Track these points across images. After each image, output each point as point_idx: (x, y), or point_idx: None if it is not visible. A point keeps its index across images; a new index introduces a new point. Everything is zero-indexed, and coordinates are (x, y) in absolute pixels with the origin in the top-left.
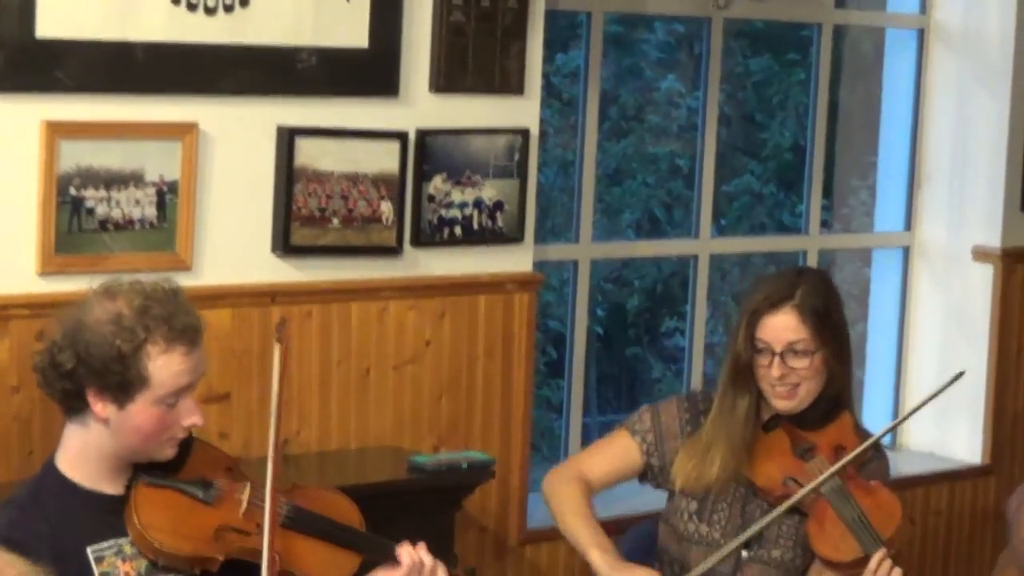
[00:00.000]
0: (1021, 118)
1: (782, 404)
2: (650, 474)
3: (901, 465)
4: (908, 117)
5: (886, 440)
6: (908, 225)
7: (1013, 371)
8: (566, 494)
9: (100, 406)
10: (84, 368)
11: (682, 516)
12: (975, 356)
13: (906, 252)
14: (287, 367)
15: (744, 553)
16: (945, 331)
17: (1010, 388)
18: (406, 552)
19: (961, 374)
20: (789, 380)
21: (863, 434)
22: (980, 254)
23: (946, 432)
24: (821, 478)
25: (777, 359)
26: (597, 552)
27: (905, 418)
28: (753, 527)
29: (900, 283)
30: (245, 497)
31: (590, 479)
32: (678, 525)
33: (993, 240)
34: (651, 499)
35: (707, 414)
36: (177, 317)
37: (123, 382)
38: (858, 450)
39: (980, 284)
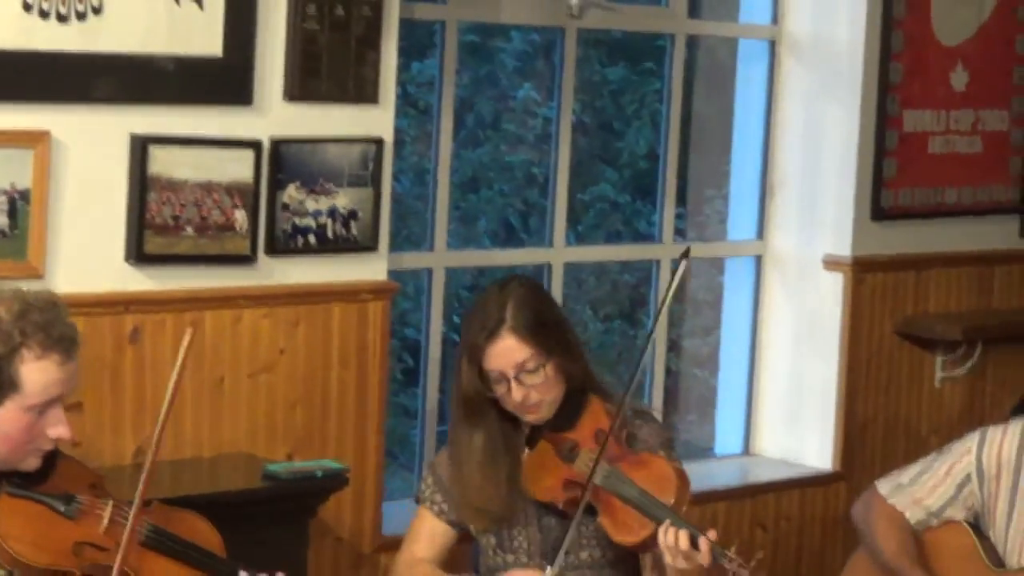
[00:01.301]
0: (870, 128)
1: (532, 418)
2: (458, 528)
3: (753, 472)
4: (760, 126)
5: (738, 446)
6: (760, 234)
7: (863, 379)
8: None
9: None
10: None
11: (488, 553)
12: (826, 364)
13: (758, 261)
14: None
15: (554, 569)
16: (796, 339)
17: (859, 396)
18: None
19: (687, 252)
20: (530, 399)
21: (617, 407)
22: (831, 263)
23: (797, 439)
24: (589, 472)
25: (514, 383)
26: None
27: (643, 353)
28: (564, 544)
29: (752, 291)
30: (107, 514)
31: (425, 558)
32: (487, 563)
33: (843, 249)
34: None
35: None
36: (55, 326)
37: None
38: (609, 433)
39: (831, 292)
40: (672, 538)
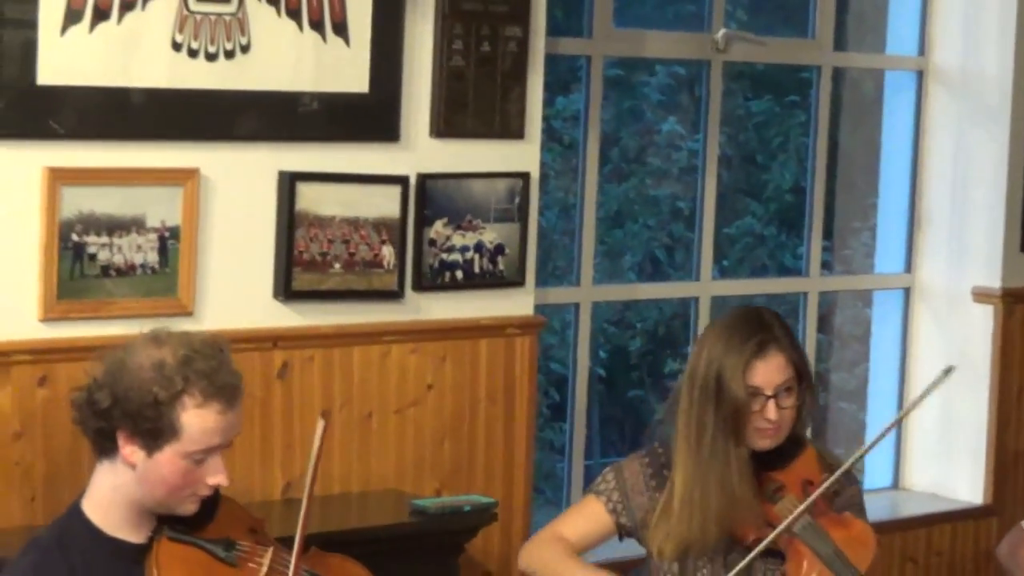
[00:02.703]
0: (1020, 158)
1: (767, 443)
2: (623, 532)
3: (903, 506)
4: (907, 158)
5: (887, 480)
6: (908, 266)
7: (1014, 411)
8: (548, 553)
9: (129, 450)
10: (119, 409)
11: (663, 575)
12: (976, 396)
13: (907, 293)
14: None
15: None
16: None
17: (1011, 428)
18: None
19: (951, 369)
20: (777, 421)
21: (829, 465)
22: (980, 295)
23: (948, 473)
24: (790, 518)
25: (771, 402)
26: (604, 574)
27: (878, 441)
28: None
29: (901, 324)
30: (267, 561)
31: (567, 540)
32: None
33: (993, 281)
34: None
35: (670, 468)
36: (219, 374)
37: (154, 429)
38: (818, 491)
39: (981, 325)
40: None
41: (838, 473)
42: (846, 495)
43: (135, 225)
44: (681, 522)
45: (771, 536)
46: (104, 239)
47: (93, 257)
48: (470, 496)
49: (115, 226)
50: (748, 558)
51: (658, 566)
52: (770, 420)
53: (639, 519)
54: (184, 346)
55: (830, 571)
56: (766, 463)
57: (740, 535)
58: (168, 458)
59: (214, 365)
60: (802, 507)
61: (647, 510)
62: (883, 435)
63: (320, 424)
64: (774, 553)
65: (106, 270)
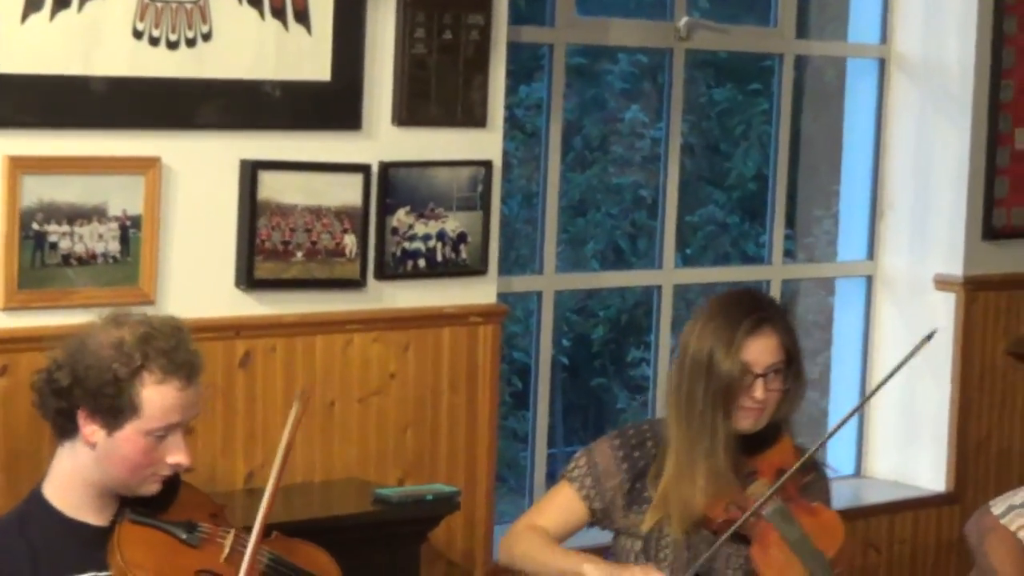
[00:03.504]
0: (981, 146)
1: (749, 424)
2: (595, 518)
3: (865, 493)
4: (870, 146)
5: (849, 467)
6: (871, 254)
7: (975, 399)
8: (527, 544)
9: (90, 429)
10: (79, 388)
11: (628, 558)
12: (938, 384)
13: (869, 281)
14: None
15: None
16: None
17: (973, 416)
18: None
19: (933, 333)
20: (763, 402)
21: (801, 452)
22: (942, 283)
23: (910, 460)
24: (760, 500)
25: (760, 380)
26: (589, 566)
27: (850, 416)
28: (700, 560)
29: (863, 312)
30: (228, 542)
31: (544, 529)
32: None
33: (955, 269)
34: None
35: (641, 448)
36: (178, 352)
37: (114, 407)
38: (794, 468)
39: (943, 312)
40: None
41: (807, 455)
42: (818, 487)
43: (96, 214)
44: (672, 495)
45: (742, 518)
46: (65, 228)
47: (54, 246)
48: (433, 485)
49: (76, 215)
50: (719, 541)
51: (622, 545)
52: (756, 399)
53: (610, 500)
54: (143, 325)
55: (796, 555)
56: (744, 447)
57: (709, 515)
58: (128, 436)
59: (173, 343)
60: (774, 487)
61: (618, 491)
62: (866, 400)
63: (296, 405)
64: (740, 538)
65: (67, 259)
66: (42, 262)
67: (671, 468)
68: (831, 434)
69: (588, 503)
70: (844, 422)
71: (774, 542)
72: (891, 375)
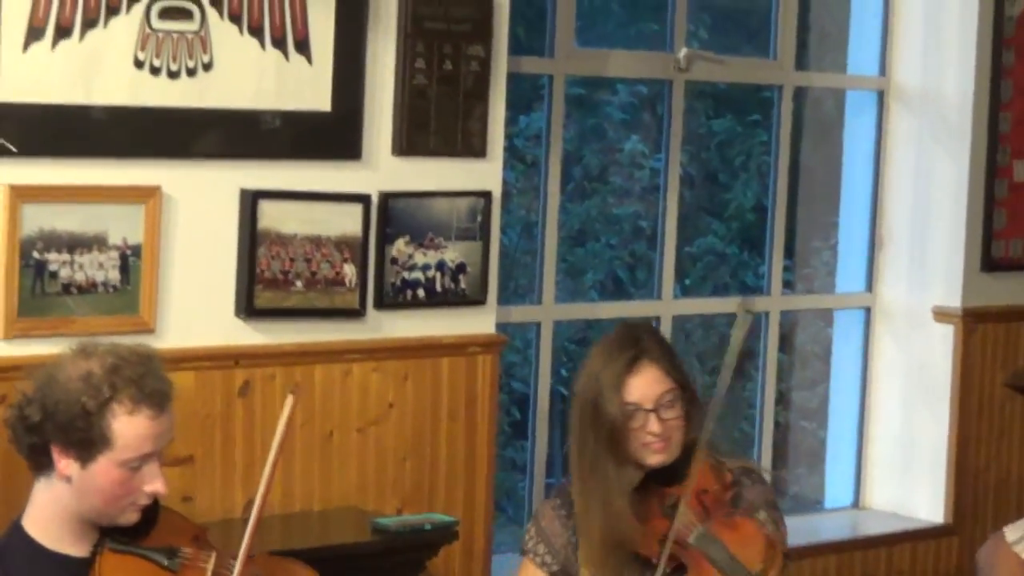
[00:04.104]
0: (980, 178)
1: (658, 458)
2: None
3: (863, 525)
4: (869, 178)
5: (847, 499)
6: (869, 286)
7: (974, 430)
8: None
9: (64, 463)
10: (50, 423)
11: None
12: (936, 416)
13: (867, 312)
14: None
15: None
16: (907, 391)
17: (971, 447)
18: None
19: (749, 312)
20: (664, 434)
21: (720, 468)
22: (941, 314)
23: (908, 492)
24: (671, 532)
25: (653, 416)
26: None
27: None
28: None
29: (862, 343)
30: (210, 566)
31: None
32: None
33: (954, 300)
34: None
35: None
36: (147, 380)
37: (86, 440)
38: (684, 499)
39: (941, 344)
40: None
41: (693, 476)
42: (751, 495)
43: (96, 243)
44: (583, 545)
45: (663, 554)
46: (65, 256)
47: (54, 275)
48: (431, 514)
49: (76, 244)
50: None
51: None
52: (654, 434)
53: (564, 559)
54: (112, 355)
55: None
56: (664, 479)
57: (645, 554)
58: (103, 468)
59: (141, 371)
60: (675, 515)
61: (569, 548)
62: (706, 417)
63: (289, 400)
64: (681, 568)
65: (67, 288)
66: (42, 291)
67: (577, 522)
68: (712, 416)
69: (547, 569)
70: (702, 438)
71: (705, 568)
72: (733, 364)
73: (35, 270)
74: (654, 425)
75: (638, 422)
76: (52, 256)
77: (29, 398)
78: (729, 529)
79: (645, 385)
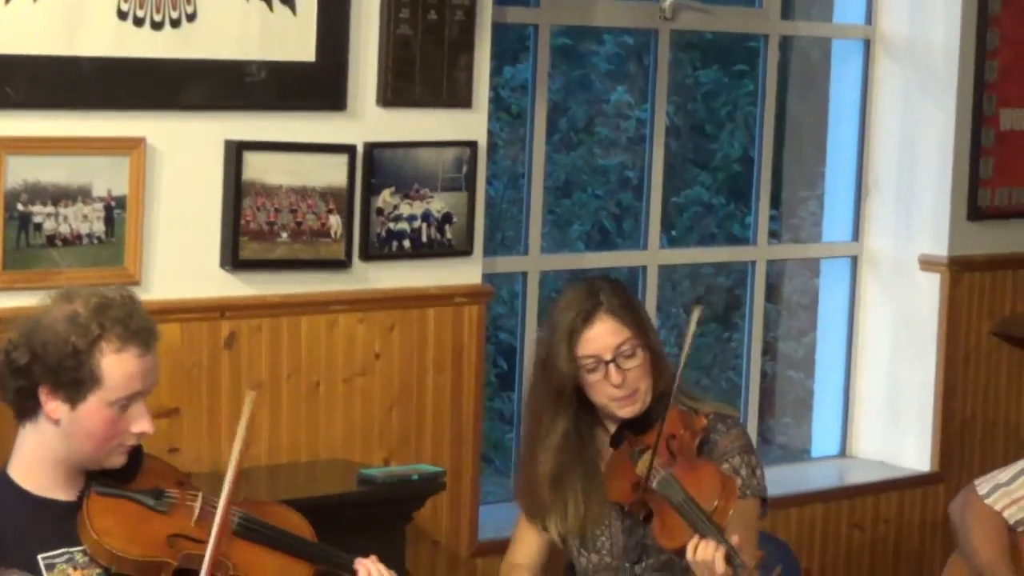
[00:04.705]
0: (966, 127)
1: (628, 411)
2: (553, 537)
3: (850, 474)
4: (855, 127)
5: (834, 448)
6: (856, 235)
7: (960, 379)
8: None
9: (52, 405)
10: (39, 365)
11: (575, 554)
12: (923, 364)
13: (854, 262)
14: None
15: (637, 568)
16: (893, 340)
17: (958, 396)
18: (362, 565)
19: (699, 301)
20: (628, 385)
21: (692, 414)
22: (927, 263)
23: (895, 440)
24: (645, 475)
25: (612, 367)
26: None
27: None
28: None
29: (848, 293)
30: (197, 505)
31: (522, 566)
32: (577, 565)
33: (940, 249)
34: None
35: None
36: (133, 319)
37: (76, 379)
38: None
39: (927, 293)
40: (705, 553)
41: (663, 421)
42: (725, 440)
43: (81, 195)
44: (543, 489)
45: (637, 497)
46: (50, 209)
47: (39, 227)
48: (418, 465)
49: (61, 196)
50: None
51: (569, 546)
52: (616, 385)
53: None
54: (95, 296)
55: (683, 519)
56: (635, 428)
57: (621, 500)
58: (93, 408)
59: (127, 311)
60: (651, 461)
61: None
62: (678, 370)
63: (250, 396)
64: (649, 516)
65: (52, 240)
66: (27, 243)
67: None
68: (672, 392)
69: (539, 524)
70: (675, 385)
71: (666, 511)
72: (686, 352)
73: (19, 222)
74: (614, 376)
75: (599, 374)
76: (36, 208)
77: (15, 343)
78: (690, 471)
79: (600, 337)
